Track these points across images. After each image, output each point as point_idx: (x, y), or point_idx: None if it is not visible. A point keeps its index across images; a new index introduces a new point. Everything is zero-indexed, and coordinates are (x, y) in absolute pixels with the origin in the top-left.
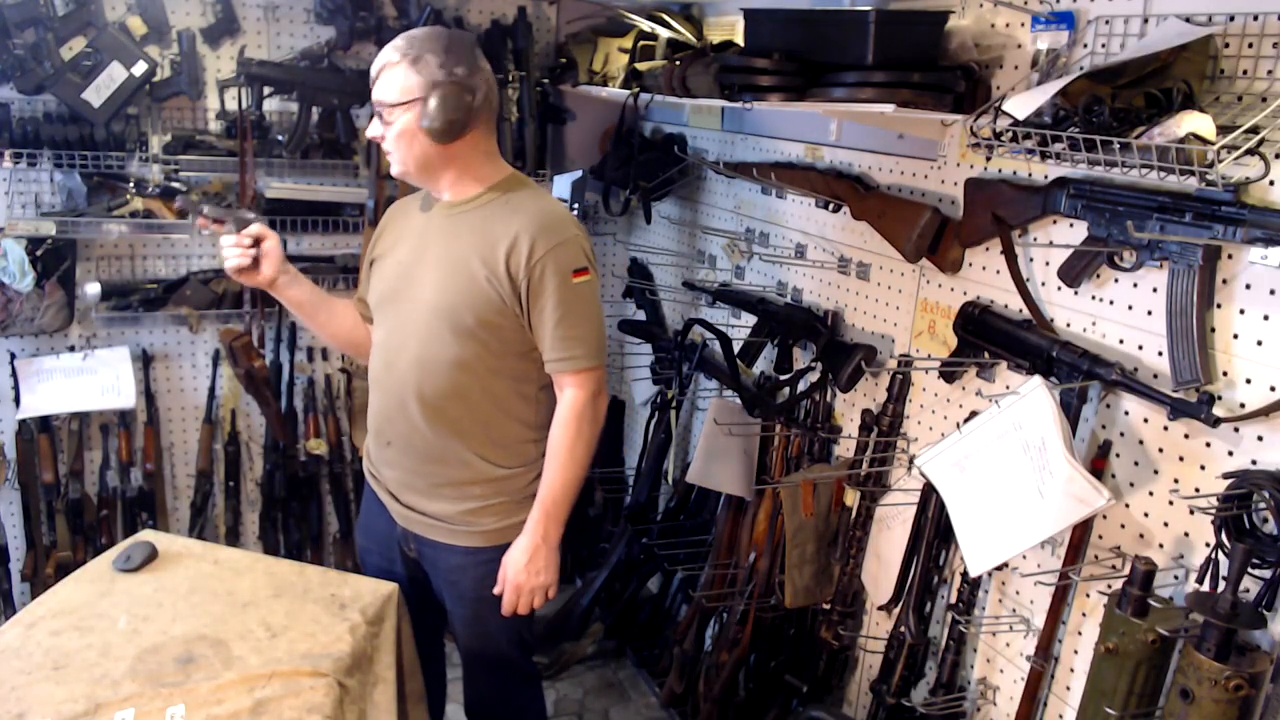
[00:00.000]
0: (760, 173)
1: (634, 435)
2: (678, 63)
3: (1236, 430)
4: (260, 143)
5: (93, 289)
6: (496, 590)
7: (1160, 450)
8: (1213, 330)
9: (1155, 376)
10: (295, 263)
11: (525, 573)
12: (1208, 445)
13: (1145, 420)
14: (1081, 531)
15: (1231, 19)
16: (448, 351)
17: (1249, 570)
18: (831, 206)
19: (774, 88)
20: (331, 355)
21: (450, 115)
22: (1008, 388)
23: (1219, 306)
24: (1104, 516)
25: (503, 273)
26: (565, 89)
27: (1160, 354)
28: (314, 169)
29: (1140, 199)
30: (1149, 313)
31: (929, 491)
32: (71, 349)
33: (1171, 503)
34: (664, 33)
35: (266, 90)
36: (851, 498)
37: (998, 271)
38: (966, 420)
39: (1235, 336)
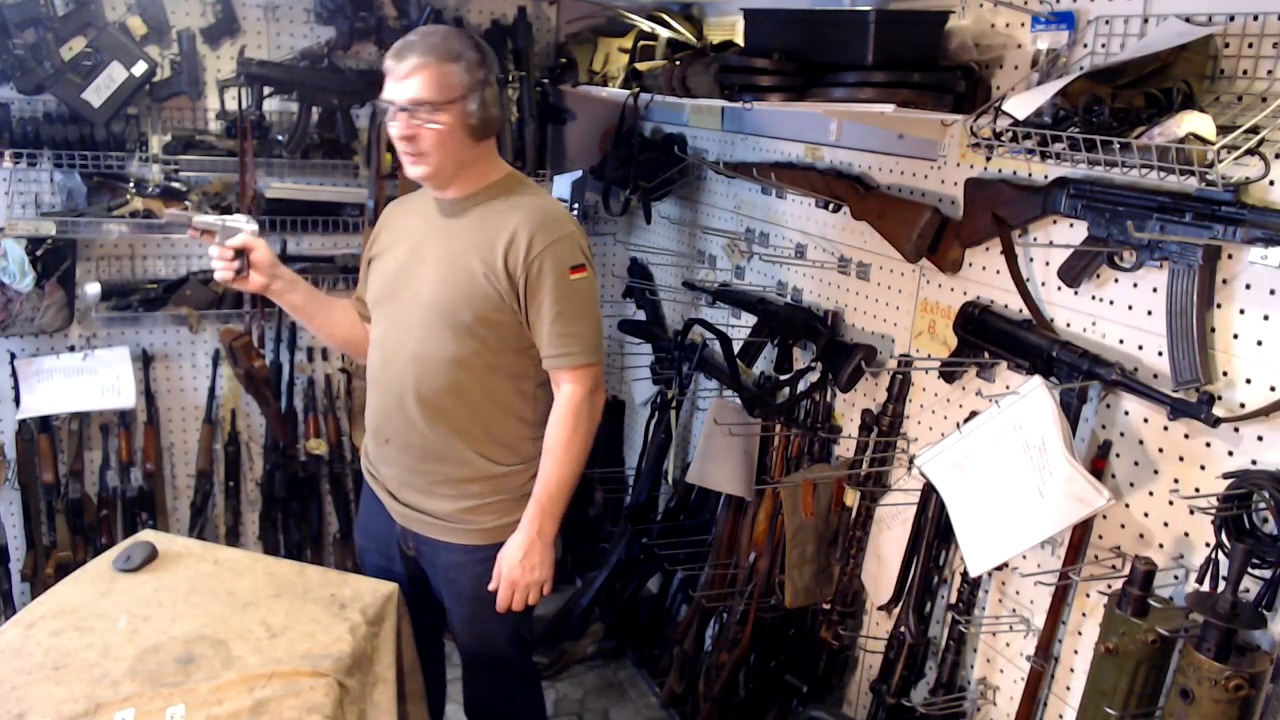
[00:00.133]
0: (760, 173)
1: (634, 435)
2: (678, 63)
3: (1236, 430)
4: (260, 143)
5: (93, 289)
6: (492, 586)
7: (1160, 450)
8: (1213, 330)
9: (1155, 376)
10: (295, 263)
11: (520, 568)
12: (1208, 445)
13: (1145, 420)
14: (1081, 531)
15: (1231, 19)
16: (446, 349)
17: (1249, 570)
18: (831, 206)
19: (774, 88)
20: (331, 355)
21: (489, 113)
22: (1008, 388)
23: (1219, 306)
24: (1104, 516)
25: (501, 269)
26: (565, 89)
27: (1160, 354)
28: (314, 169)
29: (1140, 199)
30: (1149, 313)
31: (929, 491)
32: (71, 349)
33: (1171, 503)
34: (664, 33)
35: (266, 90)
36: (851, 498)
37: (998, 271)
38: (966, 420)
39: (1235, 336)
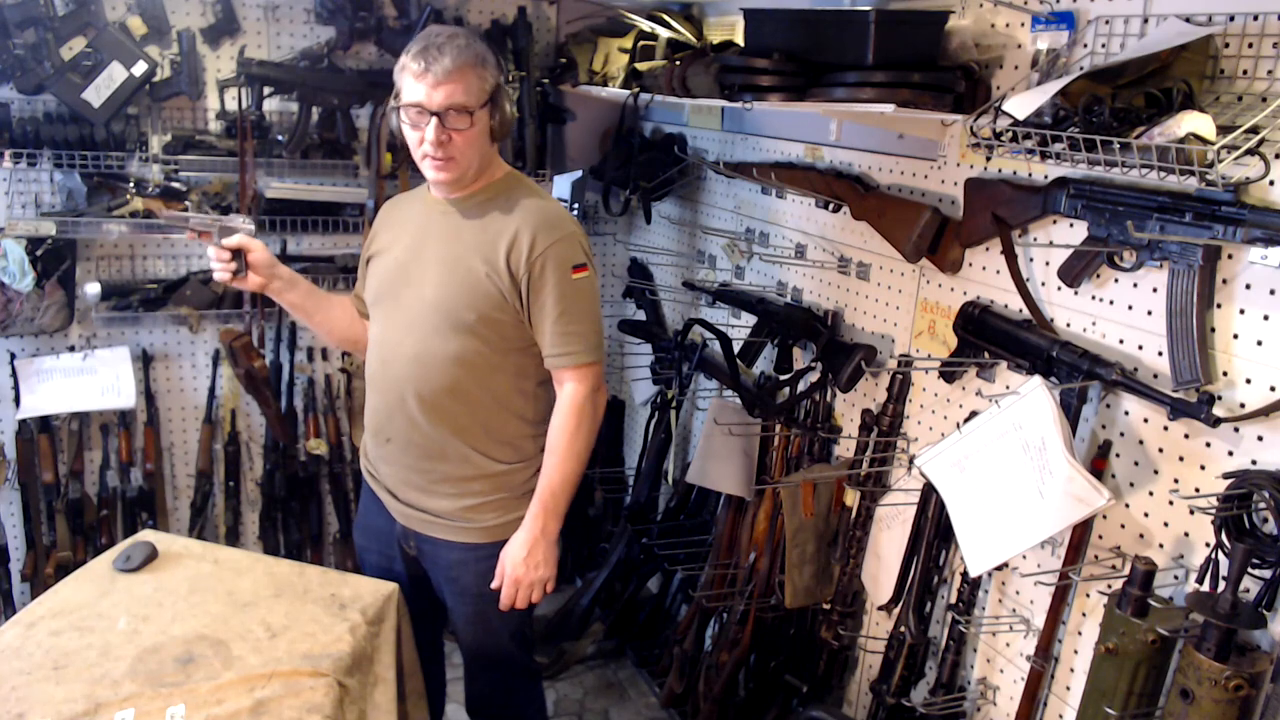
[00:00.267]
0: (760, 173)
1: (634, 435)
2: (678, 63)
3: (1236, 430)
4: (260, 143)
5: (93, 289)
6: (495, 584)
7: (1160, 450)
8: (1213, 330)
9: (1155, 376)
10: (295, 263)
11: (524, 566)
12: (1208, 445)
13: (1145, 420)
14: (1081, 531)
15: (1231, 19)
16: (447, 347)
17: (1249, 570)
18: (831, 206)
19: (774, 88)
20: (331, 355)
21: (507, 115)
22: (1008, 388)
23: (1219, 306)
24: (1104, 516)
25: (503, 268)
26: (565, 89)
27: (1160, 354)
28: (314, 169)
29: (1140, 199)
30: (1149, 313)
31: (929, 491)
32: (71, 349)
33: (1171, 503)
34: (664, 33)
35: (266, 90)
36: (851, 498)
37: (998, 271)
38: (966, 420)
39: (1235, 336)
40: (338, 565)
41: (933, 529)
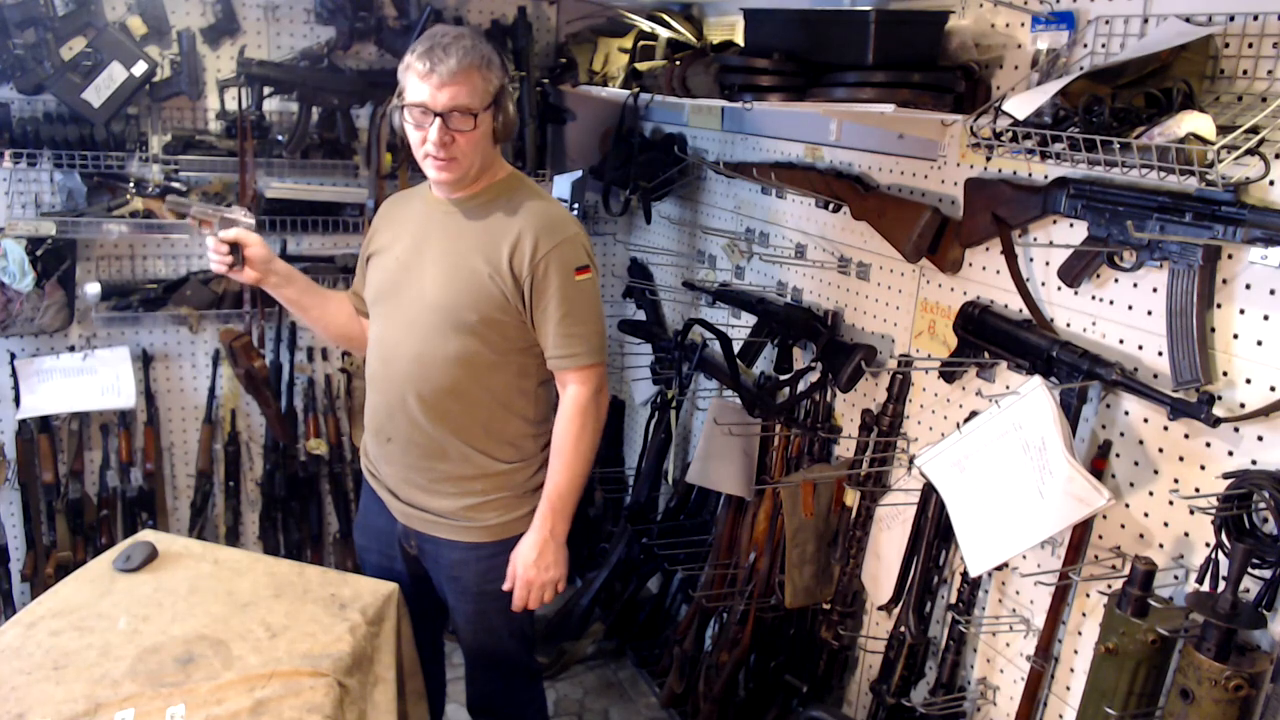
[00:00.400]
0: (760, 173)
1: (634, 435)
2: (678, 63)
3: (1236, 430)
4: (260, 143)
5: (93, 289)
6: (506, 586)
7: (1160, 450)
8: (1213, 330)
9: (1155, 376)
10: (295, 263)
11: (535, 568)
12: (1208, 445)
13: (1145, 420)
14: (1081, 531)
15: (1231, 19)
16: (448, 348)
17: (1249, 570)
18: (831, 206)
19: (774, 88)
20: (331, 355)
21: (510, 116)
22: (1008, 388)
23: (1219, 306)
24: (1104, 516)
25: (506, 270)
26: (565, 89)
27: (1160, 354)
28: (314, 169)
29: (1140, 199)
30: (1149, 313)
31: (929, 491)
32: (71, 349)
33: (1171, 503)
34: (664, 33)
35: (266, 90)
36: (851, 498)
37: (998, 271)
38: (966, 420)
39: (1235, 336)
40: (338, 565)
41: (933, 529)
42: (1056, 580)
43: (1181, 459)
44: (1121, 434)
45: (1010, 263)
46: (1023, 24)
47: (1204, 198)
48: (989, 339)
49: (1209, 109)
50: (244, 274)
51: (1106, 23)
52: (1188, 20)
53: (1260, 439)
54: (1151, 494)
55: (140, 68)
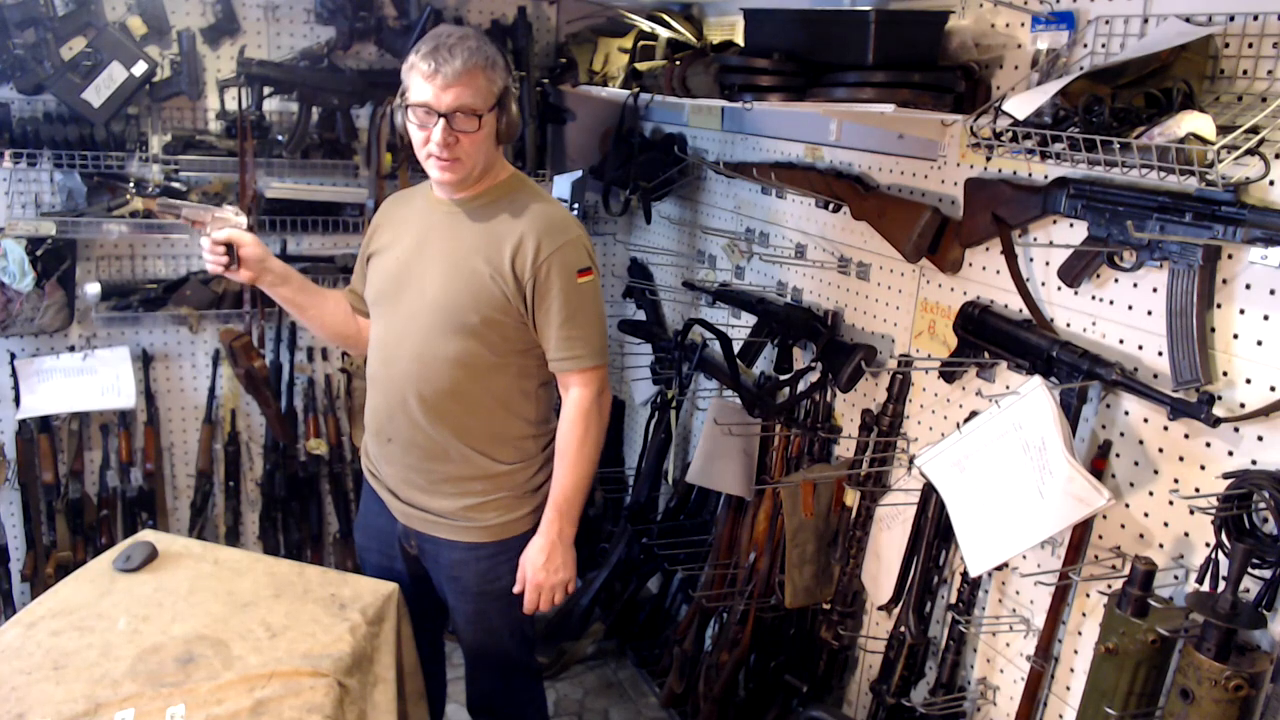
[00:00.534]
0: (760, 173)
1: (634, 435)
2: (678, 63)
3: (1236, 430)
4: (260, 143)
5: (93, 289)
6: (516, 589)
7: (1160, 450)
8: (1213, 330)
9: (1155, 376)
10: (295, 263)
11: (544, 571)
12: (1208, 445)
13: (1145, 420)
14: (1081, 531)
15: (1231, 19)
16: (449, 348)
17: (1249, 570)
18: (831, 206)
19: (774, 88)
20: (331, 355)
21: (514, 117)
22: (1008, 388)
23: (1219, 306)
24: (1104, 516)
25: (508, 272)
26: (565, 89)
27: (1160, 354)
28: (314, 169)
29: (1140, 199)
30: (1149, 313)
31: (929, 491)
32: (71, 349)
33: (1171, 503)
34: (664, 33)
35: (266, 90)
36: (851, 498)
37: (998, 271)
38: (966, 420)
39: (1235, 336)
40: (338, 565)
41: (933, 529)
42: (1056, 580)
43: (1181, 459)
44: (1121, 434)
45: (1010, 263)
46: (1023, 24)
47: (1204, 198)
48: (989, 339)
49: (1209, 109)
50: (240, 273)
51: (1106, 23)
52: (1188, 20)
53: (1260, 439)
54: (1151, 494)
55: (140, 68)
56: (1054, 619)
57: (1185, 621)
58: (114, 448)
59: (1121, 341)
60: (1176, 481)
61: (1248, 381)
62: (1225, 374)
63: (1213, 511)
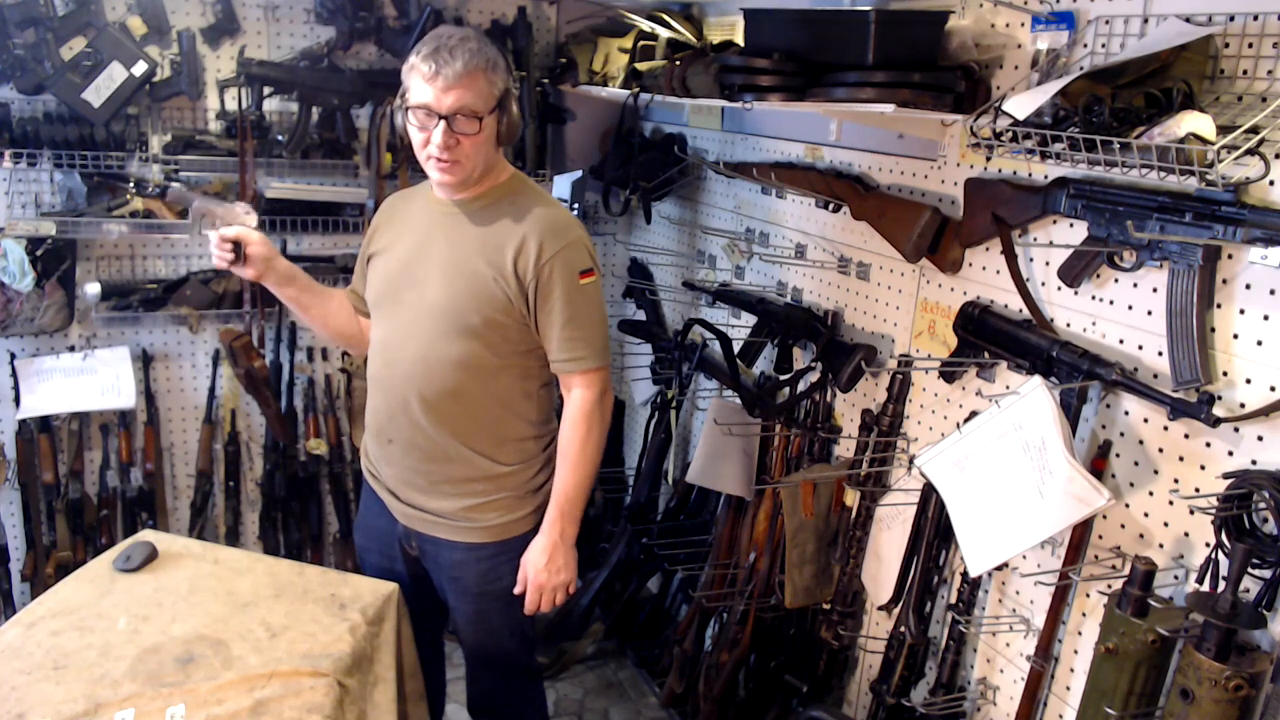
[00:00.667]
0: (760, 173)
1: (634, 435)
2: (678, 63)
3: (1236, 430)
4: (260, 143)
5: (93, 289)
6: (518, 590)
7: (1160, 450)
8: (1213, 330)
9: (1155, 376)
10: (295, 263)
11: (546, 571)
12: (1208, 445)
13: (1145, 420)
14: (1081, 531)
15: (1231, 19)
16: (451, 350)
17: (1249, 570)
18: (831, 206)
19: (774, 88)
20: (332, 355)
21: (514, 119)
22: (1008, 388)
23: (1219, 306)
24: (1104, 516)
25: (510, 273)
26: (565, 89)
27: (1160, 354)
28: (314, 169)
29: (1140, 199)
30: (1149, 313)
31: (929, 491)
32: (71, 349)
33: (1171, 503)
34: (664, 33)
35: (266, 90)
36: (851, 498)
37: (998, 271)
38: (966, 420)
39: (1235, 336)
40: (338, 565)
41: (933, 529)
42: (1056, 580)
43: (1181, 459)
44: (1121, 434)
45: (1010, 263)
46: (1023, 24)
47: (1204, 198)
48: (989, 339)
49: (1209, 109)
50: (245, 271)
51: (1106, 23)
52: (1188, 20)
53: (1260, 439)
54: (1151, 494)
55: (140, 68)
56: (1054, 619)
57: (1185, 621)
58: (114, 448)
59: (1121, 341)
60: (1176, 481)
61: (1248, 381)
62: (1225, 374)
63: (1213, 511)
